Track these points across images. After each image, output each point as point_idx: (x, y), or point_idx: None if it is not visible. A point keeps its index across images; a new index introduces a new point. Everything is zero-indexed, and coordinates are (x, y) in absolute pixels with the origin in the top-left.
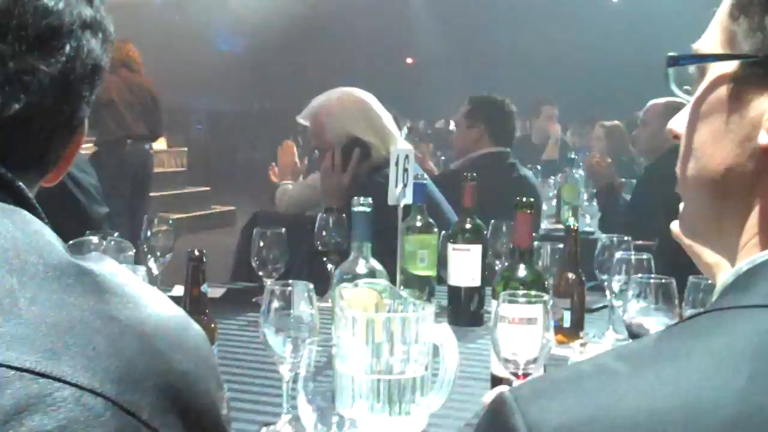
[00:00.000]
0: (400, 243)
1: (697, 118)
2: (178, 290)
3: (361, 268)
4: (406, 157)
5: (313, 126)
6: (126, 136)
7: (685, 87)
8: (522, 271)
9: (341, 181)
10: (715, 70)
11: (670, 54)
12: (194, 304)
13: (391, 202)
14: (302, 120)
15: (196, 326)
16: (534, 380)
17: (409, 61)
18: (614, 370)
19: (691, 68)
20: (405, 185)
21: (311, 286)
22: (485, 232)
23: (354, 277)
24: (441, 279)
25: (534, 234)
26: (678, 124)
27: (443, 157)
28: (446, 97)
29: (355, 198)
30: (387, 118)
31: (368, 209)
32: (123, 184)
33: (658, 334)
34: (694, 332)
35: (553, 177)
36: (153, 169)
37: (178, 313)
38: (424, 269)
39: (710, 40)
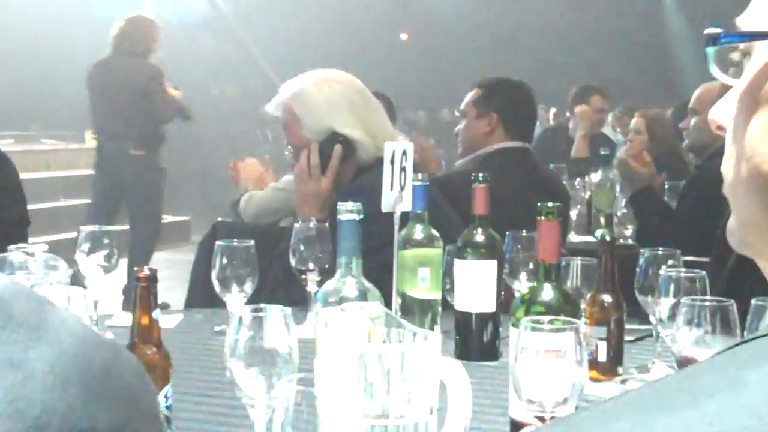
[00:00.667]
0: (396, 259)
1: (745, 108)
2: (121, 318)
3: (349, 289)
4: (404, 153)
5: (284, 118)
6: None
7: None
8: (547, 293)
9: (320, 187)
10: (764, 50)
11: (709, 31)
12: (143, 335)
13: (385, 209)
14: (271, 110)
15: (128, 356)
16: (555, 423)
17: (403, 37)
18: (647, 409)
19: (737, 47)
20: (402, 188)
21: (288, 311)
22: (501, 244)
23: (340, 301)
24: (447, 303)
25: (561, 247)
26: (721, 113)
27: (446, 155)
28: (450, 80)
29: (341, 203)
30: (376, 108)
31: (358, 217)
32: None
33: (700, 364)
34: (743, 361)
35: (582, 178)
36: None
37: (100, 341)
38: (426, 291)
39: (758, 14)
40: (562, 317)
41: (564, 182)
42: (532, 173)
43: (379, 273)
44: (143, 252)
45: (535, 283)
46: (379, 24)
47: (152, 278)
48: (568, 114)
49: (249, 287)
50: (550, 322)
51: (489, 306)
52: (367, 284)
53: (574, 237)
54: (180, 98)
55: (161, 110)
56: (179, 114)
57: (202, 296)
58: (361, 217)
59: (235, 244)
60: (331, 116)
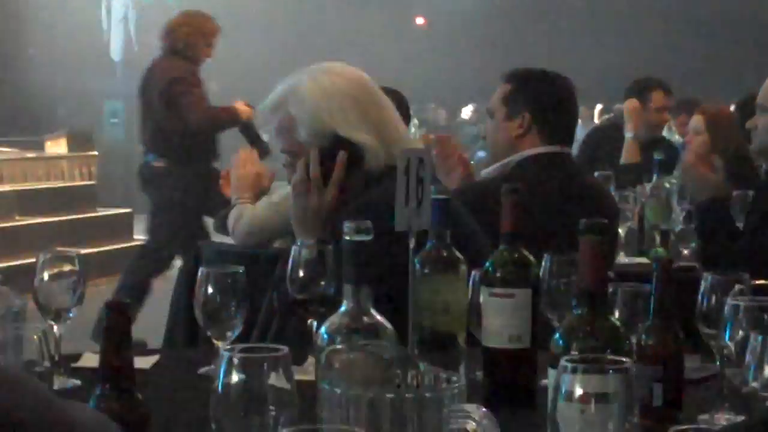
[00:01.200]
0: (412, 287)
1: None
2: (90, 359)
3: (358, 323)
4: (421, 161)
5: (279, 121)
6: None
7: None
8: (591, 326)
9: (322, 202)
10: None
11: None
12: (114, 379)
13: (399, 227)
14: (263, 111)
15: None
16: None
17: (419, 21)
18: None
19: None
20: (419, 203)
21: (285, 350)
22: (536, 268)
23: (347, 337)
24: (473, 338)
25: (608, 271)
26: None
27: (472, 161)
28: (475, 73)
29: (348, 221)
30: (387, 107)
31: (367, 237)
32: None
33: None
34: None
35: (633, 188)
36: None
37: (92, 417)
38: (448, 324)
39: None
40: (609, 355)
41: (612, 193)
42: (572, 183)
43: (393, 304)
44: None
45: (577, 315)
46: (389, 6)
47: (124, 311)
48: (613, 112)
49: (239, 322)
50: (595, 360)
51: (523, 342)
52: (378, 317)
53: (623, 258)
54: (241, 113)
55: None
56: (230, 126)
57: (184, 332)
58: (371, 237)
59: (223, 270)
60: (334, 117)
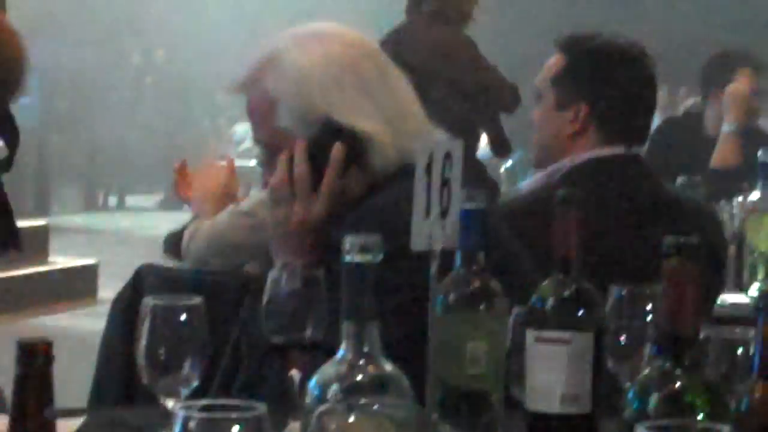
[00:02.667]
0: (433, 327)
1: None
2: None
3: (360, 374)
4: (448, 157)
5: (253, 101)
6: None
7: None
8: (677, 383)
9: (308, 212)
10: None
11: None
12: None
13: (416, 246)
14: (233, 88)
15: None
16: None
17: None
18: None
19: None
20: (444, 214)
21: (261, 409)
22: (601, 305)
23: (346, 394)
24: (512, 399)
25: (702, 311)
26: None
27: (509, 161)
28: (514, 41)
29: (350, 237)
30: (400, 84)
31: (374, 259)
32: None
33: None
34: None
35: (729, 200)
36: None
37: None
38: (479, 379)
39: None
40: (700, 422)
41: (713, 207)
42: (648, 194)
43: (407, 349)
44: None
45: (656, 368)
46: None
47: (43, 355)
48: (699, 97)
49: (195, 374)
50: (683, 428)
51: (582, 405)
52: (388, 367)
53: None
54: None
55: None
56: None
57: (117, 386)
58: (380, 259)
59: (174, 302)
60: (327, 97)
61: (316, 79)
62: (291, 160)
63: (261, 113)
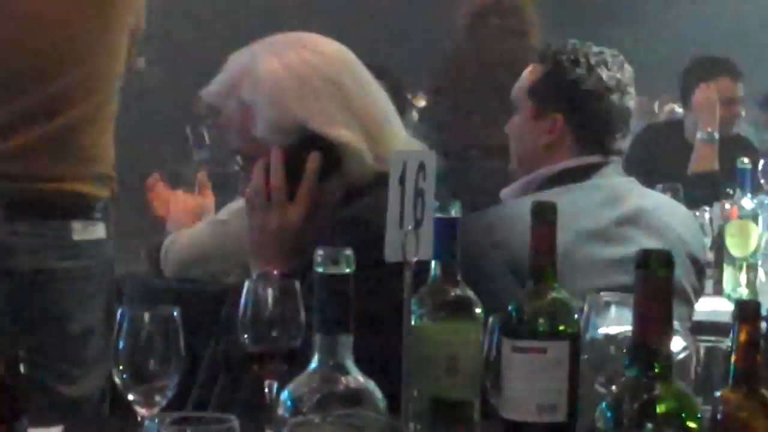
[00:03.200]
0: (408, 337)
1: None
2: None
3: (333, 385)
4: (422, 168)
5: (230, 110)
6: None
7: None
8: (651, 393)
9: (285, 220)
10: None
11: None
12: None
13: (390, 256)
14: (209, 97)
15: None
16: None
17: None
18: None
19: None
20: (418, 224)
21: (233, 422)
22: (576, 316)
23: (319, 405)
24: (489, 408)
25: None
26: None
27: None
28: None
29: (322, 248)
30: (377, 94)
31: (347, 270)
32: None
33: None
34: None
35: (709, 207)
36: None
37: None
38: (455, 389)
39: None
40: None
41: (691, 214)
42: (622, 202)
43: (382, 360)
44: None
45: (631, 377)
46: None
47: (13, 366)
48: (679, 106)
49: (172, 382)
50: None
51: (558, 413)
52: (362, 378)
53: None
54: None
55: None
56: None
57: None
58: (352, 269)
59: (150, 312)
60: (304, 106)
61: (292, 88)
62: (268, 168)
63: (237, 122)
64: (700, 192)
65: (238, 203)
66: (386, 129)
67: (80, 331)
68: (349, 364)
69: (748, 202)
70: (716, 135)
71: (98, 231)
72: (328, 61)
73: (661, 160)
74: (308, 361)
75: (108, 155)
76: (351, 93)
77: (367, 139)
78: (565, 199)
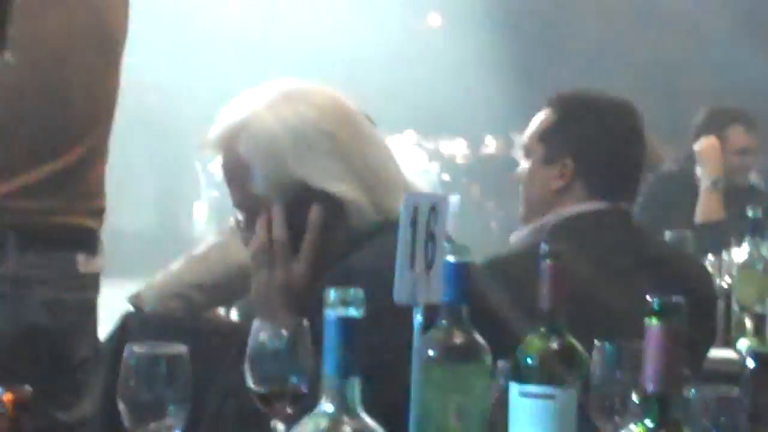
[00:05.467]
0: (416, 382)
1: None
2: None
3: (341, 430)
4: (433, 210)
5: (228, 166)
6: None
7: None
8: None
9: (289, 275)
10: None
11: None
12: None
13: (400, 299)
14: (207, 150)
15: None
16: None
17: (433, 21)
18: None
19: None
20: (428, 267)
21: None
22: (586, 361)
23: None
24: None
25: (685, 369)
26: None
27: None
28: (508, 93)
29: (333, 290)
30: (374, 142)
31: (357, 312)
32: None
33: None
34: None
35: (718, 256)
36: None
37: None
38: None
39: None
40: None
41: (701, 262)
42: (634, 250)
43: (390, 404)
44: None
45: (641, 426)
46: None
47: (22, 402)
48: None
49: (178, 420)
50: None
51: None
52: (369, 422)
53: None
54: None
55: None
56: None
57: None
58: (362, 313)
59: (156, 350)
60: (301, 162)
61: (288, 145)
62: (270, 223)
63: (236, 178)
64: (708, 240)
65: (214, 238)
66: (385, 177)
67: (79, 360)
68: (358, 406)
69: (755, 251)
70: (721, 183)
71: (98, 263)
72: (323, 113)
73: (672, 207)
74: (314, 403)
75: (104, 189)
76: (348, 146)
77: (367, 190)
78: (575, 244)
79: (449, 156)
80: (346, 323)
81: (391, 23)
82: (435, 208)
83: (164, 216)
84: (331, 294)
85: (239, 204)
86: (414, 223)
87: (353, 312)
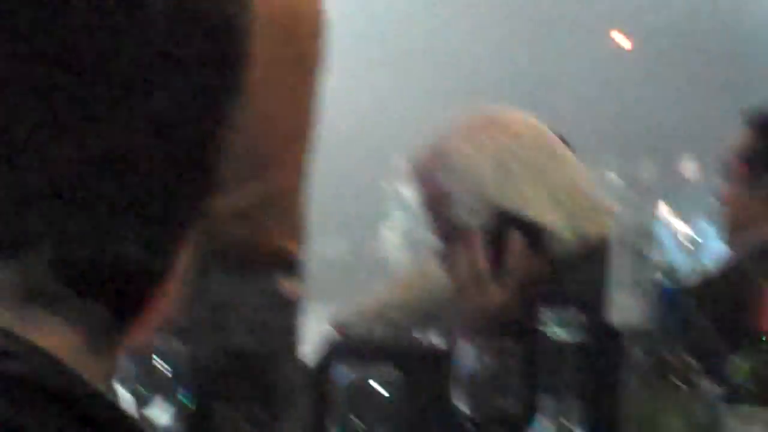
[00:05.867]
0: (628, 403)
1: None
2: None
3: None
4: (646, 234)
5: (427, 194)
6: None
7: None
8: None
9: (493, 302)
10: None
11: None
12: None
13: (614, 320)
14: (407, 180)
15: None
16: None
17: (617, 38)
18: None
19: None
20: (643, 291)
21: None
22: None
23: None
24: None
25: None
26: None
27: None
28: (700, 111)
29: (550, 312)
30: (575, 170)
31: (576, 335)
32: None
33: None
34: None
35: None
36: None
37: None
38: None
39: None
40: None
41: None
42: None
43: (608, 425)
44: None
45: None
46: (577, 20)
47: None
48: None
49: None
50: None
51: None
52: None
53: None
54: None
55: None
56: None
57: None
58: (578, 334)
59: (363, 382)
60: (502, 191)
61: (487, 174)
62: (471, 252)
63: (435, 207)
64: None
65: (415, 264)
66: (582, 199)
67: (285, 384)
68: (575, 427)
69: None
70: None
71: (301, 287)
72: (523, 143)
73: None
74: (527, 426)
75: (305, 211)
76: (547, 173)
77: (564, 214)
78: None
79: (643, 179)
80: (561, 344)
81: (576, 44)
82: (647, 234)
83: (352, 240)
84: (549, 315)
85: (438, 232)
86: (626, 244)
87: (569, 332)
